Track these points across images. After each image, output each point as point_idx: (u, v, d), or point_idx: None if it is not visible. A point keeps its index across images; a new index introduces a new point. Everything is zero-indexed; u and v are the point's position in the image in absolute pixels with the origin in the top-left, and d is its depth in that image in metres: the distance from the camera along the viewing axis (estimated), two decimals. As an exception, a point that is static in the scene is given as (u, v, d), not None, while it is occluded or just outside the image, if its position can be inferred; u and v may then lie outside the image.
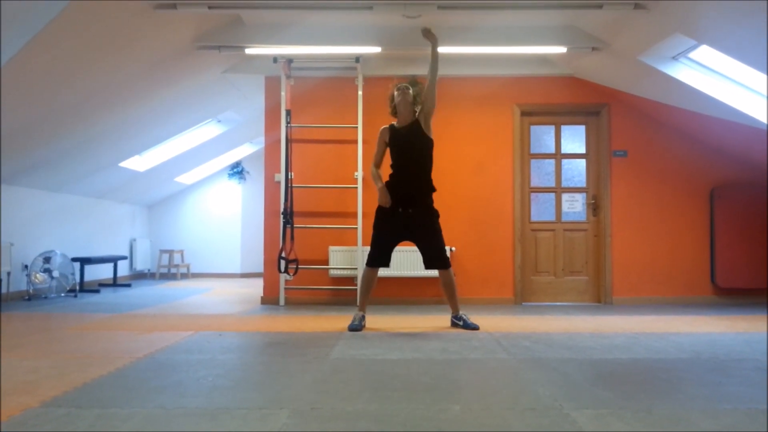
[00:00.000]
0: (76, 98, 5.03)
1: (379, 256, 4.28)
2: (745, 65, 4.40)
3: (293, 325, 4.43)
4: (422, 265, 5.61)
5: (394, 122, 4.38)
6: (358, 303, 4.44)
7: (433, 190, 4.29)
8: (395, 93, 4.31)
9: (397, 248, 5.74)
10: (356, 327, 4.16)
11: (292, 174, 5.73)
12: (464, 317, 4.30)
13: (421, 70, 5.84)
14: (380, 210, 4.30)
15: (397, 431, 1.96)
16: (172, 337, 3.81)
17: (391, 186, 4.26)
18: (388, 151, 4.37)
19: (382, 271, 5.65)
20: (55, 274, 6.35)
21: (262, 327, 4.35)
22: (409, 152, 4.24)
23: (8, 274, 6.05)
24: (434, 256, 4.25)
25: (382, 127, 4.38)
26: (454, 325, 4.34)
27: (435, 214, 4.27)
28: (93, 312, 5.19)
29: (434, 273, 5.55)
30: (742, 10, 3.64)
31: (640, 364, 3.03)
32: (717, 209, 5.86)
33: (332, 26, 5.25)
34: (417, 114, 4.32)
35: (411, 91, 4.28)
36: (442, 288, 4.37)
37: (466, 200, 5.90)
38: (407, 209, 4.21)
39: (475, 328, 4.18)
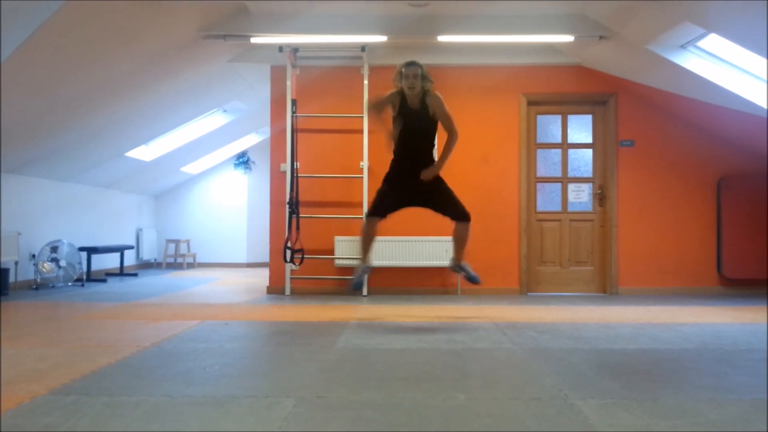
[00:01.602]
0: (82, 89, 5.03)
1: (383, 207, 4.09)
2: (754, 54, 4.35)
3: (299, 314, 4.44)
4: (427, 256, 5.60)
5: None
6: (360, 255, 4.24)
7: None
8: (402, 80, 3.98)
9: (401, 238, 5.75)
10: (360, 281, 4.13)
11: (298, 164, 5.72)
12: (466, 267, 4.23)
13: (427, 59, 5.83)
14: (392, 170, 4.16)
15: (402, 420, 1.97)
16: (179, 326, 3.83)
17: (397, 158, 4.15)
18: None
19: (388, 261, 5.67)
20: (62, 263, 6.39)
21: (268, 316, 4.37)
22: (416, 133, 4.09)
23: (16, 263, 6.09)
24: (453, 210, 4.08)
25: (394, 91, 4.05)
26: (453, 270, 4.28)
27: (441, 180, 4.14)
28: (100, 301, 5.22)
29: (439, 262, 5.58)
30: (752, -2, 3.60)
31: (646, 355, 3.03)
32: (724, 200, 5.82)
33: (338, 15, 5.22)
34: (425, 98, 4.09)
35: (419, 72, 3.97)
36: (453, 236, 4.20)
37: (471, 190, 5.85)
38: (415, 176, 4.06)
39: (476, 281, 4.16)
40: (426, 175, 4.02)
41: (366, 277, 4.15)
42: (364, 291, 5.64)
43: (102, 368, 2.67)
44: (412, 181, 4.07)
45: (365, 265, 4.23)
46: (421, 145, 4.14)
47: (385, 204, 4.12)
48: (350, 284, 4.17)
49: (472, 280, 4.20)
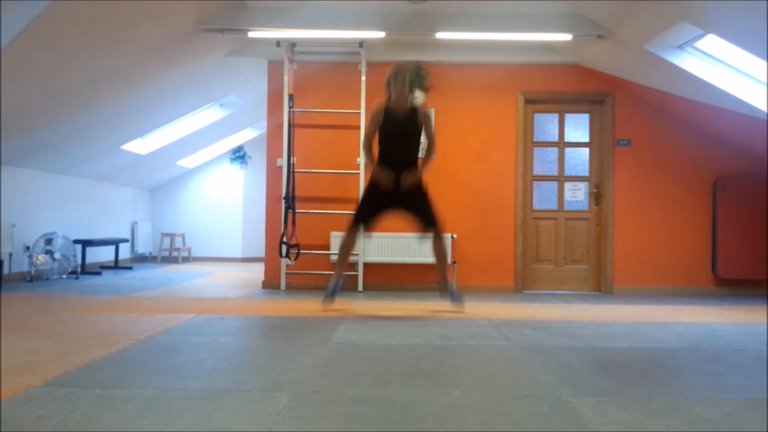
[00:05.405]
0: (78, 81, 5.01)
1: (365, 217, 4.29)
2: (751, 55, 4.36)
3: (294, 309, 4.44)
4: (422, 252, 5.64)
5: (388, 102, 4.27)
6: (337, 264, 4.40)
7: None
8: (391, 83, 4.20)
9: (397, 235, 5.77)
10: (335, 290, 4.33)
11: (294, 159, 5.71)
12: (452, 285, 4.44)
13: (425, 56, 5.85)
14: (373, 182, 4.32)
15: (397, 415, 1.97)
16: (173, 319, 3.82)
17: (382, 165, 4.27)
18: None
19: (383, 257, 5.68)
20: (57, 255, 6.37)
21: (263, 311, 4.36)
22: (403, 139, 4.24)
23: (10, 255, 6.06)
24: (425, 215, 4.26)
25: (378, 107, 4.24)
26: (441, 292, 4.44)
27: (425, 188, 4.30)
28: (94, 294, 5.20)
29: (434, 259, 5.57)
30: (750, -2, 3.61)
31: (640, 353, 3.04)
32: (719, 200, 5.84)
33: (336, 10, 5.21)
34: (413, 102, 4.29)
35: (407, 80, 4.18)
36: (433, 255, 4.38)
37: (468, 188, 5.89)
38: (399, 185, 4.23)
39: (460, 300, 4.35)
40: (405, 182, 4.18)
41: (340, 285, 4.28)
42: (359, 287, 5.65)
43: (96, 361, 2.66)
44: (396, 188, 4.21)
45: (340, 274, 4.38)
46: (408, 151, 4.27)
47: (370, 214, 4.29)
48: (326, 293, 4.34)
49: (456, 298, 4.34)
